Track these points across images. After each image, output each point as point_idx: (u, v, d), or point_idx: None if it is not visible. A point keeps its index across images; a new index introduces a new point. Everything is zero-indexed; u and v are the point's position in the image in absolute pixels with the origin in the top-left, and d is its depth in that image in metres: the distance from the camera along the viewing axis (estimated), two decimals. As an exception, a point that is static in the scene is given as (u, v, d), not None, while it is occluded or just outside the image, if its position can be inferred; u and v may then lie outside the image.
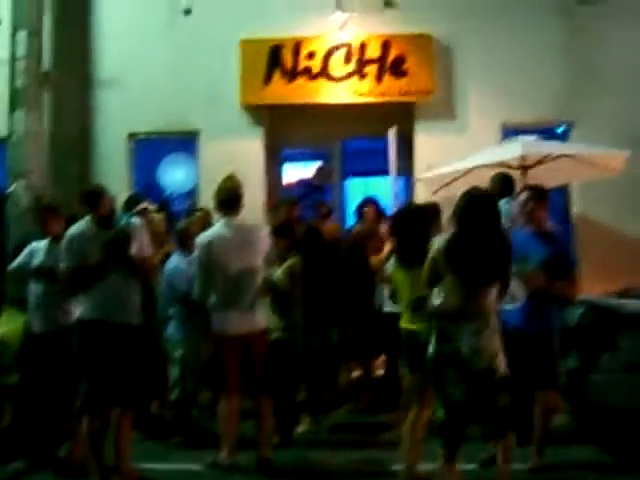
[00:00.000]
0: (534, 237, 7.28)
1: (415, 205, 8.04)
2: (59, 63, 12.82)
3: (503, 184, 8.62)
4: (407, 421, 6.97)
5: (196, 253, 7.61)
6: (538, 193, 7.53)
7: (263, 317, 7.69)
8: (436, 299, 6.23)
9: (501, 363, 6.14)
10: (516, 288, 6.70)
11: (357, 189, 14.87)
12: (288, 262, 8.43)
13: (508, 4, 12.48)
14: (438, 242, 6.31)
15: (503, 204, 7.95)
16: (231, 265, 7.45)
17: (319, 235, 9.16)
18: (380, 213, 10.52)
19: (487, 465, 6.99)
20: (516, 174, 10.28)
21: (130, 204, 8.96)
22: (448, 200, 10.46)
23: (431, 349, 6.21)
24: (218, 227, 7.68)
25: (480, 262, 6.11)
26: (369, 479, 7.30)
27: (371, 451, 8.07)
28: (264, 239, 7.77)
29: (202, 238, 7.64)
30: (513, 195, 8.69)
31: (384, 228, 9.78)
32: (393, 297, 7.36)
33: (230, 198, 7.74)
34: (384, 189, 12.53)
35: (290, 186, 13.90)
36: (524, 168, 10.44)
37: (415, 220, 7.04)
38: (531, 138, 10.86)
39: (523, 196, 7.55)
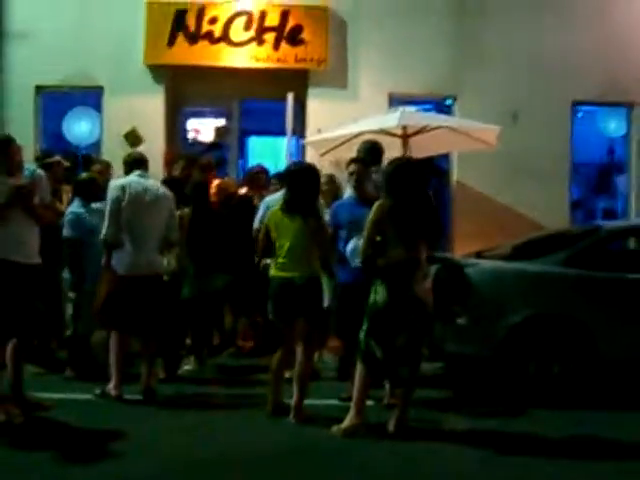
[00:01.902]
0: (361, 203, 8.02)
1: (308, 163, 8.80)
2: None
3: (370, 152, 8.95)
4: (272, 362, 7.77)
5: (110, 196, 8.18)
6: (363, 164, 8.40)
7: (161, 262, 8.45)
8: (385, 257, 7.07)
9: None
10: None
11: (256, 147, 15.67)
12: (177, 213, 9.11)
13: (402, -18, 13.25)
14: (378, 208, 7.14)
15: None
16: (140, 211, 8.13)
17: (206, 190, 9.86)
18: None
19: (346, 400, 7.82)
20: (398, 142, 11.15)
21: (42, 157, 9.51)
22: (335, 163, 11.46)
23: (384, 298, 7.02)
24: (132, 177, 8.32)
25: (418, 223, 7.09)
26: (243, 410, 8.03)
27: (249, 389, 8.85)
28: (169, 196, 8.52)
29: (117, 182, 8.34)
30: (381, 163, 9.05)
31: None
32: (267, 249, 7.82)
33: (141, 158, 8.60)
34: (280, 148, 13.33)
35: (192, 143, 14.55)
36: (405, 137, 11.24)
37: (308, 176, 7.67)
38: (412, 109, 11.71)
39: (350, 167, 8.33)
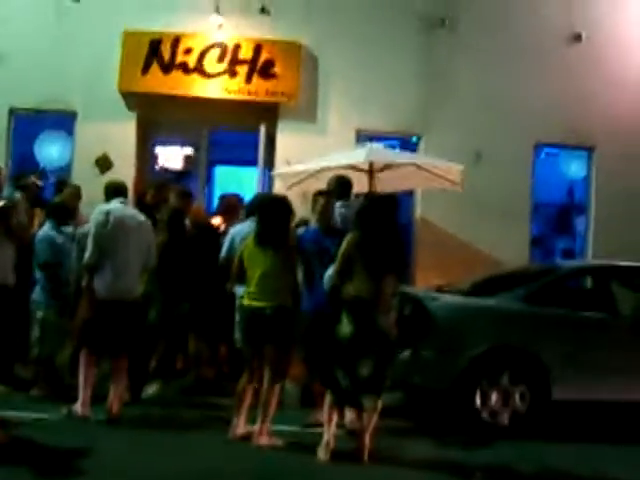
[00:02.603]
0: (325, 235, 8.29)
1: (279, 195, 9.00)
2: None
3: (340, 186, 9.10)
4: (237, 387, 7.95)
5: (94, 221, 8.36)
6: (329, 196, 8.59)
7: (139, 288, 8.60)
8: (349, 289, 7.38)
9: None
10: None
11: (223, 177, 15.88)
12: None
13: (373, 22, 13.59)
14: (348, 241, 7.45)
15: (338, 207, 8.77)
16: (123, 237, 8.33)
17: (182, 217, 9.96)
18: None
19: (308, 427, 8.21)
20: (365, 177, 11.40)
21: (18, 179, 9.64)
22: (302, 195, 11.69)
23: (349, 330, 7.30)
24: (114, 204, 8.51)
25: (384, 257, 7.37)
26: (207, 432, 8.23)
27: (212, 412, 9.00)
28: (149, 224, 8.77)
29: (103, 207, 8.49)
30: (350, 197, 9.31)
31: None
32: (241, 278, 8.00)
33: (122, 186, 8.82)
34: (247, 178, 13.57)
35: (161, 170, 14.72)
36: (371, 172, 11.48)
37: (279, 208, 7.89)
38: (379, 145, 11.95)
39: (316, 199, 8.50)
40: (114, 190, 8.67)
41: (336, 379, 7.40)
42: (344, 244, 7.46)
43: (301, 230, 8.87)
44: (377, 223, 7.45)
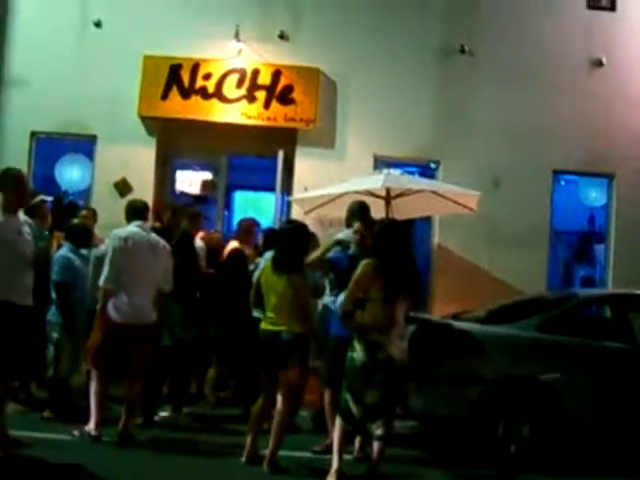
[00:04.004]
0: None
1: (298, 222, 8.99)
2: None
3: (359, 211, 8.85)
4: (253, 410, 7.96)
5: (112, 244, 8.39)
6: (368, 224, 8.45)
7: (154, 312, 8.57)
8: (363, 315, 7.33)
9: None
10: None
11: (242, 202, 15.96)
12: None
13: (392, 50, 13.74)
14: (363, 266, 7.41)
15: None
16: (141, 262, 8.37)
17: (191, 240, 10.03)
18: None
19: (320, 454, 8.17)
20: (381, 203, 11.39)
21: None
22: (319, 220, 11.73)
23: (361, 356, 7.27)
24: (133, 226, 8.54)
25: (400, 283, 7.33)
26: (218, 457, 8.21)
27: (224, 437, 8.99)
28: (168, 248, 8.78)
29: (120, 231, 8.52)
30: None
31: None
32: (258, 302, 8.04)
33: (143, 208, 8.85)
34: (266, 204, 13.60)
35: (179, 194, 14.80)
36: (388, 198, 11.49)
37: (297, 235, 7.91)
38: (396, 172, 11.96)
39: (355, 225, 8.45)
40: (134, 211, 8.70)
41: (348, 407, 7.38)
42: (359, 269, 7.44)
43: (337, 251, 8.81)
44: (392, 249, 7.43)
